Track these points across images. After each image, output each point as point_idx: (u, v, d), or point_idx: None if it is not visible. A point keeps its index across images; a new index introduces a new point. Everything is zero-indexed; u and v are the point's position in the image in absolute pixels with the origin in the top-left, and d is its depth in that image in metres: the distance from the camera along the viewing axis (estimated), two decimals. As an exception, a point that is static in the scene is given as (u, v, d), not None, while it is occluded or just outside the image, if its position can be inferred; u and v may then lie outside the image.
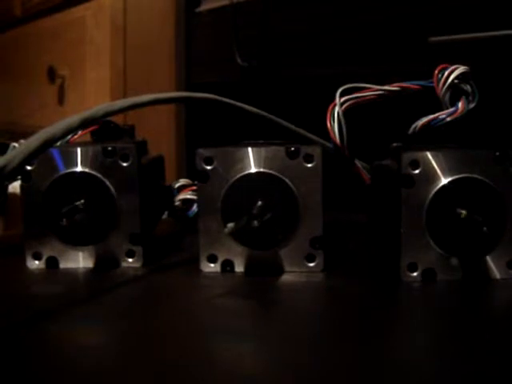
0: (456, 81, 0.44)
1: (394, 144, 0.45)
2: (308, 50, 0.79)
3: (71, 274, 0.43)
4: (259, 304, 0.38)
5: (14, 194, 0.49)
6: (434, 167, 0.39)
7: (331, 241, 0.46)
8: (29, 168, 0.43)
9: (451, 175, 0.39)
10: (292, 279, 0.41)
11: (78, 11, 1.18)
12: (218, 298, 0.38)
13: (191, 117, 1.03)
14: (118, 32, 1.07)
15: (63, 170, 0.43)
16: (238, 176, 0.41)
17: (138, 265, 0.44)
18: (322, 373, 0.27)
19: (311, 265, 0.42)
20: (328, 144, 0.47)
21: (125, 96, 1.04)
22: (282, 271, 0.42)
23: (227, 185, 0.41)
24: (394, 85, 0.46)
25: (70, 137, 0.48)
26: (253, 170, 0.41)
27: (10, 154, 0.32)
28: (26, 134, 0.37)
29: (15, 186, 0.47)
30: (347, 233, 0.55)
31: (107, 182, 0.43)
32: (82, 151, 0.43)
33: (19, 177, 0.43)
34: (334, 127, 0.45)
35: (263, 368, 0.28)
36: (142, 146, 0.48)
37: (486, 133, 0.49)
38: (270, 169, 0.41)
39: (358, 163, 0.49)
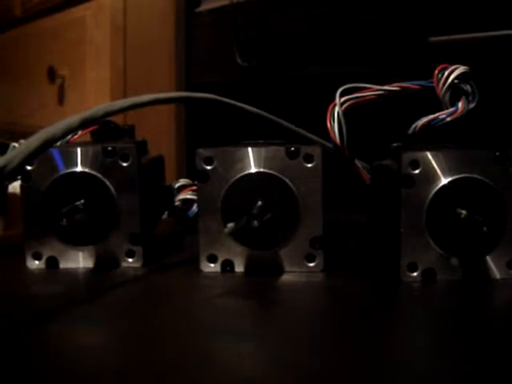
0: (456, 81, 0.44)
1: (394, 144, 0.45)
2: (308, 50, 0.79)
3: (71, 274, 0.43)
4: (259, 304, 0.38)
5: (14, 194, 0.49)
6: (434, 167, 0.39)
7: (331, 241, 0.46)
8: (29, 168, 0.43)
9: (451, 175, 0.39)
10: (292, 279, 0.41)
11: (77, 11, 1.18)
12: (218, 298, 0.38)
13: (191, 117, 1.03)
14: (117, 32, 1.07)
15: (63, 170, 0.43)
16: (237, 176, 0.41)
17: (137, 265, 0.44)
18: (322, 373, 0.27)
19: (311, 265, 0.42)
20: (328, 144, 0.47)
21: (125, 96, 1.04)
22: (281, 271, 0.42)
23: (227, 185, 0.41)
24: (394, 85, 0.46)
25: (69, 137, 0.48)
26: (253, 169, 0.41)
27: (10, 154, 0.32)
28: (26, 134, 0.37)
29: (15, 186, 0.47)
30: (347, 233, 0.55)
31: (107, 182, 0.43)
32: (82, 151, 0.43)
33: (19, 177, 0.43)
34: (334, 127, 0.45)
35: (263, 368, 0.28)
36: (142, 146, 0.48)
37: (486, 133, 0.49)
38: (270, 169, 0.41)
39: (358, 163, 0.49)
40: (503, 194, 0.38)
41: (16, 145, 0.49)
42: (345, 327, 0.33)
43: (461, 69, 0.44)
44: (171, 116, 1.08)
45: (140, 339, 0.32)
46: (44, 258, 0.44)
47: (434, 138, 0.44)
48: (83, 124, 0.36)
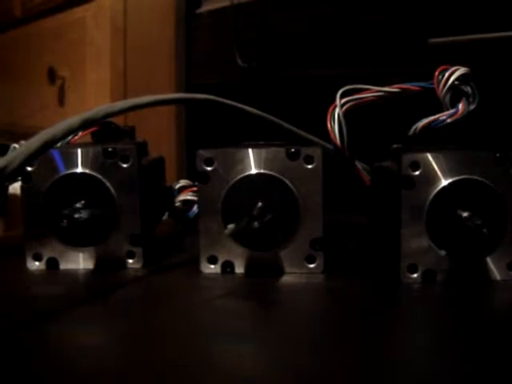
0: (456, 82, 0.44)
1: (395, 145, 0.45)
2: (308, 50, 0.80)
3: (71, 274, 0.43)
4: (259, 305, 0.38)
5: (14, 195, 0.49)
6: (434, 168, 0.39)
7: (331, 242, 0.46)
8: (29, 169, 0.43)
9: (451, 176, 0.39)
10: (292, 280, 0.41)
11: (78, 12, 1.18)
12: (218, 299, 0.38)
13: (191, 118, 1.03)
14: (118, 33, 1.07)
15: (63, 171, 0.43)
16: (238, 177, 0.41)
17: (138, 266, 0.44)
18: (322, 374, 0.27)
19: (311, 266, 0.42)
20: (328, 145, 0.47)
21: (125, 97, 1.04)
22: (282, 272, 0.42)
23: (227, 186, 0.41)
24: (395, 86, 0.46)
25: (70, 138, 0.48)
26: (253, 171, 0.41)
27: (10, 155, 0.32)
28: (26, 135, 0.37)
29: (16, 187, 0.47)
30: (347, 234, 0.55)
31: (107, 183, 0.43)
32: (82, 152, 0.43)
33: (20, 178, 0.43)
34: (335, 128, 0.45)
35: (263, 369, 0.28)
36: (143, 147, 0.48)
37: (487, 134, 0.49)
38: (271, 170, 0.41)
39: (359, 164, 0.49)
40: (503, 196, 0.38)
41: (16, 146, 0.49)
42: (345, 328, 0.33)
43: (461, 70, 0.44)
44: (171, 117, 1.08)
45: (140, 340, 0.32)
46: (44, 259, 0.44)
47: (435, 139, 0.44)
48: (84, 125, 0.36)
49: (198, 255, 0.42)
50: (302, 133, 0.49)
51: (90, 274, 0.43)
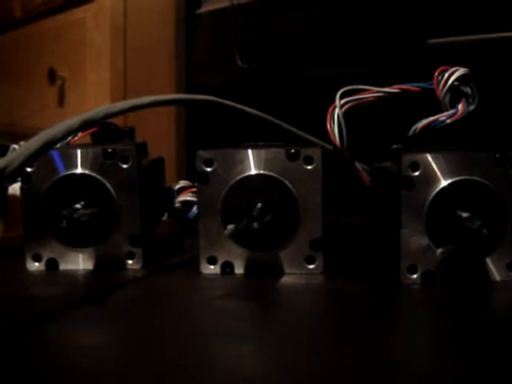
0: (456, 83, 0.44)
1: (394, 146, 0.45)
2: (308, 50, 0.80)
3: (71, 275, 0.43)
4: (259, 306, 0.38)
5: (14, 196, 0.49)
6: (433, 169, 0.39)
7: (331, 243, 0.46)
8: (29, 170, 0.43)
9: (451, 177, 0.39)
10: (292, 281, 0.41)
11: (78, 13, 1.18)
12: (218, 300, 0.38)
13: (191, 119, 1.03)
14: (118, 34, 1.07)
15: (63, 172, 0.43)
16: (237, 178, 0.41)
17: (137, 266, 0.44)
18: (321, 374, 0.27)
19: (311, 267, 0.42)
20: (328, 146, 0.47)
21: (125, 98, 1.04)
22: (281, 273, 0.42)
23: (227, 187, 0.41)
24: (394, 87, 0.46)
25: (70, 138, 0.48)
26: (253, 171, 0.41)
27: (10, 156, 0.32)
28: (26, 136, 0.37)
29: (15, 188, 0.47)
30: (347, 235, 0.55)
31: (107, 184, 0.43)
32: (82, 153, 0.43)
33: (19, 178, 0.43)
34: (334, 129, 0.45)
35: (263, 369, 0.28)
36: (142, 148, 0.48)
37: (486, 135, 0.49)
38: (270, 171, 0.41)
39: (358, 165, 0.49)
40: (503, 196, 0.38)
41: (16, 146, 0.49)
42: (345, 329, 0.33)
43: (461, 71, 0.44)
44: (171, 118, 1.08)
45: (140, 340, 0.32)
46: (44, 260, 0.44)
47: (434, 139, 0.44)
48: (83, 126, 0.36)
49: (197, 256, 0.42)
50: (302, 133, 0.49)
51: (90, 274, 0.43)
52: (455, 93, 0.44)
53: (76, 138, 0.49)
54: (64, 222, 0.41)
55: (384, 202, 0.45)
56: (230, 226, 0.39)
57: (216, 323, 0.34)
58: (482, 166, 0.39)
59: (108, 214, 0.43)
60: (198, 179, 0.42)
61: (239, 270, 0.42)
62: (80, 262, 0.44)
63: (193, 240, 0.44)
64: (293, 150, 0.41)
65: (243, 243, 0.42)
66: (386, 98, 0.46)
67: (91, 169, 0.43)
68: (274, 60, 0.84)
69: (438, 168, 0.39)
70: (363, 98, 0.46)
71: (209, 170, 0.42)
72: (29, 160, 0.32)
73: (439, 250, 0.38)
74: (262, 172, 0.41)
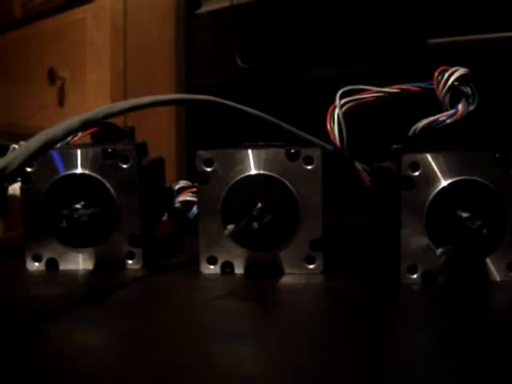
0: (456, 83, 0.44)
1: (394, 146, 0.45)
2: (308, 51, 0.80)
3: (71, 275, 0.43)
4: (259, 306, 0.38)
5: (14, 196, 0.49)
6: (433, 169, 0.39)
7: (331, 243, 0.46)
8: (29, 170, 0.43)
9: (451, 177, 0.39)
10: (292, 281, 0.41)
11: (78, 13, 1.18)
12: (218, 300, 0.38)
13: (191, 119, 1.03)
14: (118, 34, 1.07)
15: (63, 172, 0.43)
16: (237, 178, 0.41)
17: (137, 266, 0.44)
18: (321, 374, 0.27)
19: (311, 267, 0.42)
20: (328, 146, 0.47)
21: (125, 98, 1.04)
22: (281, 273, 0.42)
23: (227, 187, 0.41)
24: (394, 87, 0.46)
25: (70, 138, 0.48)
26: (253, 171, 0.41)
27: (10, 156, 0.32)
28: (26, 136, 0.37)
29: (15, 188, 0.47)
30: (347, 235, 0.55)
31: (107, 184, 0.43)
32: (82, 153, 0.43)
33: (19, 178, 0.43)
34: (334, 129, 0.45)
35: (263, 369, 0.28)
36: (142, 148, 0.48)
37: (486, 135, 0.49)
38: (270, 171, 0.41)
39: (358, 165, 0.49)
40: (503, 196, 0.38)
41: (16, 146, 0.49)
42: (345, 329, 0.33)
43: (461, 71, 0.44)
44: (171, 118, 1.08)
45: (140, 340, 0.32)
46: (44, 260, 0.44)
47: (434, 139, 0.44)
48: (83, 126, 0.36)
49: (197, 256, 0.42)
50: (302, 133, 0.49)
51: (90, 274, 0.43)
52: (455, 93, 0.44)
53: (76, 138, 0.49)
54: (64, 221, 0.41)
55: (384, 202, 0.45)
56: (230, 226, 0.39)
57: (216, 323, 0.34)
58: (482, 166, 0.39)
59: (108, 214, 0.43)
60: (198, 179, 0.42)
61: (239, 270, 0.42)
62: (80, 262, 0.44)
63: (193, 240, 0.44)
64: (293, 150, 0.41)
65: (243, 243, 0.42)
66: (386, 98, 0.46)
67: (91, 169, 0.43)
68: (274, 60, 0.84)
69: (438, 168, 0.39)
70: (363, 98, 0.46)
71: (209, 169, 0.42)
72: (29, 160, 0.32)
73: (439, 250, 0.38)
74: (262, 172, 0.41)
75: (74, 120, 0.35)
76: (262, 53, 0.85)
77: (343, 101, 0.46)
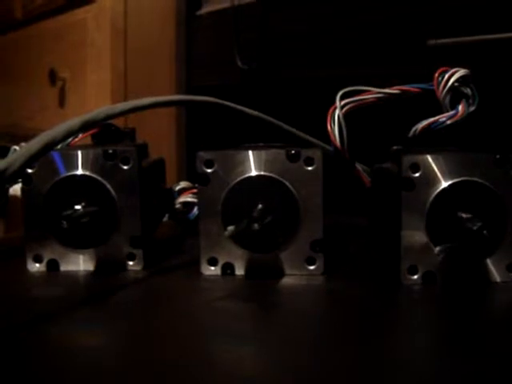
0: (456, 84, 0.44)
1: (395, 147, 0.45)
2: (308, 51, 0.80)
3: (72, 276, 0.43)
4: (259, 307, 0.38)
5: (14, 197, 0.49)
6: (434, 170, 0.39)
7: (331, 244, 0.46)
8: (30, 171, 0.43)
9: (451, 178, 0.39)
10: (292, 282, 0.41)
11: (78, 14, 1.18)
12: (219, 301, 0.38)
13: (192, 120, 1.03)
14: (118, 35, 1.08)
15: (64, 173, 0.43)
16: (238, 179, 0.41)
17: (138, 268, 0.44)
18: (322, 374, 0.27)
19: (311, 268, 0.42)
20: (328, 147, 0.47)
21: (125, 99, 1.04)
22: (282, 274, 0.42)
23: (228, 188, 0.41)
24: (395, 88, 0.46)
25: (70, 140, 0.48)
26: (253, 173, 0.41)
27: (10, 157, 0.32)
28: (26, 137, 0.37)
29: (16, 189, 0.47)
30: (347, 236, 0.55)
31: (108, 185, 0.43)
32: (82, 154, 0.43)
33: (20, 180, 0.43)
34: (335, 130, 0.45)
35: (263, 370, 0.28)
36: (143, 149, 0.48)
37: (487, 136, 0.49)
38: (271, 172, 0.41)
39: (359, 166, 0.49)
40: (503, 197, 0.38)
41: (17, 148, 0.49)
42: (345, 329, 0.33)
43: (461, 72, 0.44)
44: (172, 119, 1.08)
45: (140, 341, 0.32)
46: (45, 261, 0.44)
47: (435, 141, 0.44)
48: (84, 127, 0.36)
49: (198, 257, 0.42)
50: (302, 134, 0.49)
51: (91, 275, 0.43)
52: (455, 94, 0.44)
53: (77, 139, 0.49)
54: (65, 223, 0.41)
55: (384, 203, 0.45)
56: (231, 227, 0.39)
57: (216, 324, 0.34)
58: (482, 167, 0.39)
59: (109, 215, 0.43)
60: (199, 180, 0.42)
61: (240, 271, 0.42)
62: (81, 263, 0.44)
63: (193, 241, 0.44)
64: (293, 151, 0.41)
65: (244, 244, 0.42)
66: (387, 98, 0.46)
67: (92, 170, 0.43)
68: (275, 61, 0.84)
69: (439, 169, 0.39)
70: (363, 99, 0.46)
71: (209, 171, 0.42)
72: (29, 161, 0.32)
73: (437, 248, 0.38)
74: (262, 173, 0.41)
75: (74, 121, 0.35)
76: (263, 54, 0.85)
77: (343, 102, 0.46)
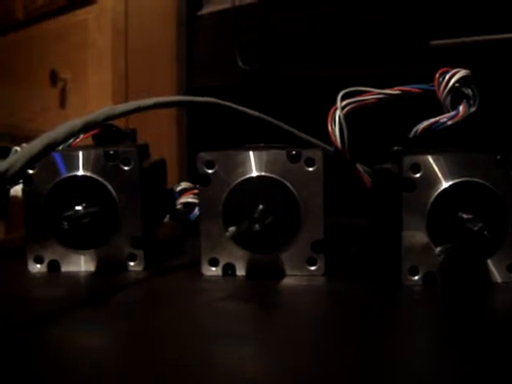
0: (457, 84, 0.44)
1: (395, 148, 0.45)
2: (309, 51, 0.80)
3: (73, 277, 0.43)
4: (260, 307, 0.38)
5: (15, 198, 0.49)
6: (435, 171, 0.39)
7: (332, 244, 0.46)
8: (31, 172, 0.43)
9: (452, 179, 0.39)
10: (293, 283, 0.41)
11: (79, 15, 1.18)
12: (220, 302, 0.38)
13: (193, 120, 1.03)
14: (119, 35, 1.08)
15: (65, 174, 0.43)
16: (239, 180, 0.41)
17: (139, 268, 0.44)
18: (322, 375, 0.27)
19: (312, 268, 0.42)
20: (329, 148, 0.47)
21: (126, 99, 1.04)
22: (283, 275, 0.42)
23: (228, 188, 0.41)
24: (395, 88, 0.46)
25: (71, 140, 0.48)
26: (254, 173, 0.41)
27: (12, 158, 0.32)
28: (27, 138, 0.37)
29: (17, 190, 0.47)
30: (348, 236, 0.55)
31: (109, 186, 0.43)
32: (83, 155, 0.43)
33: (21, 180, 0.43)
34: (335, 131, 0.45)
35: (264, 371, 0.28)
36: (144, 150, 0.48)
37: (487, 136, 0.49)
38: (272, 172, 0.41)
39: (360, 167, 0.49)
40: (504, 198, 0.38)
41: (18, 148, 0.49)
42: (346, 330, 0.33)
43: (462, 72, 0.44)
44: (173, 120, 1.08)
45: (141, 342, 0.32)
46: (46, 262, 0.44)
47: (435, 141, 0.44)
48: (85, 128, 0.36)
49: (199, 258, 0.42)
50: (303, 135, 0.49)
51: (92, 276, 0.43)
52: (456, 94, 0.44)
53: (78, 140, 0.49)
54: (66, 223, 0.41)
55: (385, 203, 0.45)
56: (232, 228, 0.39)
57: (217, 325, 0.34)
58: (483, 167, 0.39)
59: (110, 215, 0.43)
60: (200, 181, 0.42)
61: (241, 271, 0.42)
62: (82, 264, 0.44)
63: (194, 242, 0.44)
64: (294, 152, 0.41)
65: (245, 245, 0.42)
66: (387, 99, 0.46)
67: (93, 171, 0.43)
68: (276, 61, 0.84)
69: (439, 170, 0.39)
70: (364, 100, 0.46)
71: (210, 171, 0.42)
72: (31, 162, 0.32)
73: (438, 249, 0.38)
74: (263, 174, 0.41)
75: (75, 122, 0.35)
76: (264, 54, 0.85)
77: (344, 102, 0.46)
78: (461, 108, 0.44)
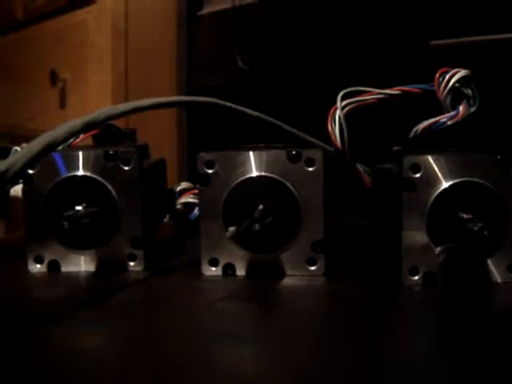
0: (457, 84, 0.44)
1: (395, 148, 0.45)
2: (309, 51, 0.80)
3: (73, 277, 0.43)
4: (260, 307, 0.38)
5: (15, 198, 0.49)
6: (435, 171, 0.39)
7: (332, 244, 0.46)
8: (31, 172, 0.43)
9: (452, 179, 0.39)
10: (293, 283, 0.41)
11: (79, 15, 1.18)
12: (220, 302, 0.38)
13: (193, 120, 1.03)
14: (119, 35, 1.08)
15: (65, 174, 0.43)
16: (239, 180, 0.41)
17: (139, 268, 0.44)
18: (322, 375, 0.27)
19: (312, 268, 0.42)
20: (329, 148, 0.47)
21: (126, 100, 1.04)
22: (283, 275, 0.42)
23: (228, 188, 0.41)
24: (395, 88, 0.46)
25: (71, 140, 0.48)
26: (254, 173, 0.41)
27: (12, 158, 0.32)
28: (27, 138, 0.37)
29: (17, 190, 0.47)
30: (348, 236, 0.55)
31: (109, 186, 0.43)
32: (83, 155, 0.43)
33: (21, 180, 0.43)
34: (335, 131, 0.46)
35: (264, 371, 0.28)
36: (144, 150, 0.48)
37: (487, 136, 0.49)
38: (272, 172, 0.41)
39: (359, 167, 0.49)
40: (504, 198, 0.38)
41: (18, 148, 0.49)
42: (346, 330, 0.33)
43: (462, 72, 0.44)
44: (173, 120, 1.08)
45: (141, 342, 0.32)
46: (46, 262, 0.44)
47: (435, 141, 0.44)
48: (85, 128, 0.36)
49: (199, 258, 0.42)
50: (303, 135, 0.49)
51: (92, 276, 0.43)
52: (456, 94, 0.44)
53: (78, 140, 0.49)
54: (66, 223, 0.41)
55: (385, 203, 0.45)
56: (232, 228, 0.39)
57: (217, 325, 0.34)
58: (483, 167, 0.39)
59: (109, 215, 0.43)
60: (200, 181, 0.42)
61: (241, 271, 0.42)
62: (82, 264, 0.44)
63: (194, 242, 0.44)
64: (294, 152, 0.41)
65: (245, 245, 0.42)
66: (387, 99, 0.46)
67: (93, 171, 0.43)
68: (276, 61, 0.84)
69: (439, 170, 0.39)
70: (364, 100, 0.46)
71: (210, 171, 0.42)
72: (31, 162, 0.32)
73: (438, 249, 0.38)
74: (263, 174, 0.41)
75: (75, 122, 0.35)
76: (264, 54, 0.85)
77: (344, 102, 0.46)
78: (461, 108, 0.44)
